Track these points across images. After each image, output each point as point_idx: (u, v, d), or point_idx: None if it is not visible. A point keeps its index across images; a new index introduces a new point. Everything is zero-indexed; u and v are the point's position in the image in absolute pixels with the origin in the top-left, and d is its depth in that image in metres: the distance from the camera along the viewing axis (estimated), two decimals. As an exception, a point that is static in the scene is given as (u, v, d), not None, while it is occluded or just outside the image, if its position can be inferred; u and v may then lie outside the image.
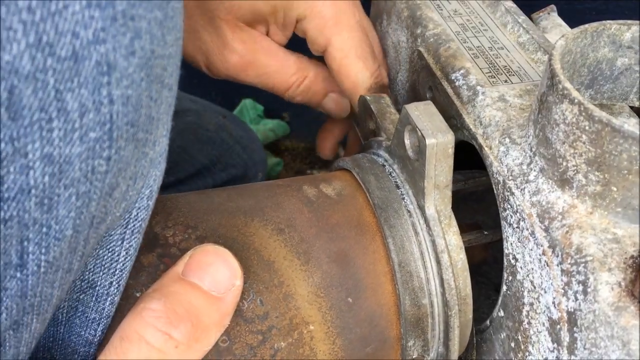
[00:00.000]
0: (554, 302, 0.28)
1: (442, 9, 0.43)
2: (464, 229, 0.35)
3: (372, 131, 0.40)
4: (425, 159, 0.31)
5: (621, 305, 0.25)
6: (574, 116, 0.27)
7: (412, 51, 0.43)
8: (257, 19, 0.46)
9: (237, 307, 0.28)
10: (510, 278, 0.32)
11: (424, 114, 0.31)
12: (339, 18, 0.45)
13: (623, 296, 0.25)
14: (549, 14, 0.47)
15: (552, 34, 0.46)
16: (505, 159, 0.32)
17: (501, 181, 0.32)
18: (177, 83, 0.24)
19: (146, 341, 0.25)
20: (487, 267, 0.45)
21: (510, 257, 0.32)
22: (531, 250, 0.30)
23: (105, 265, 0.26)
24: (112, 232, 0.25)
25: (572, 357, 0.28)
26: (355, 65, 0.45)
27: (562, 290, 0.28)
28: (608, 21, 0.31)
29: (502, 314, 0.33)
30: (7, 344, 0.22)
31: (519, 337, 0.32)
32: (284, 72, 0.47)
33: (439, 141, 0.30)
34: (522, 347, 0.32)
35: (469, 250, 0.34)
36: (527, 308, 0.31)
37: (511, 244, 0.32)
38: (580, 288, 0.27)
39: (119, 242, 0.25)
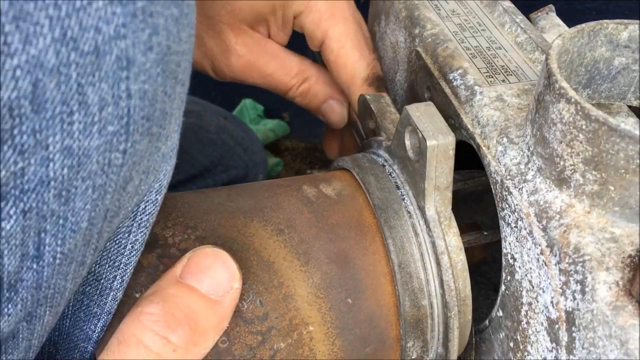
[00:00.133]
0: (552, 302, 0.28)
1: (440, 9, 0.43)
2: (463, 229, 0.35)
3: (372, 130, 0.40)
4: (426, 160, 0.31)
5: (619, 304, 0.25)
6: (570, 115, 0.27)
7: (410, 51, 0.44)
8: (257, 19, 0.47)
9: (236, 307, 0.29)
10: (508, 278, 0.32)
11: (425, 115, 0.31)
12: (334, 11, 0.45)
13: (621, 295, 0.25)
14: (547, 13, 0.47)
15: (550, 33, 0.46)
16: (503, 158, 0.32)
17: (499, 181, 0.32)
18: (189, 79, 0.25)
19: (144, 345, 0.25)
20: (486, 266, 0.45)
21: (509, 256, 0.32)
22: (529, 249, 0.30)
23: (111, 258, 0.26)
24: (120, 225, 0.25)
25: (571, 356, 0.28)
26: (352, 55, 0.46)
27: (560, 290, 0.28)
28: (605, 20, 0.31)
29: (500, 313, 0.33)
30: (21, 336, 0.23)
31: (518, 337, 0.32)
32: (286, 74, 0.48)
33: (440, 143, 0.30)
34: (521, 346, 0.32)
35: (468, 251, 0.34)
36: (525, 308, 0.31)
37: (509, 243, 0.32)
38: (578, 287, 0.27)
39: (126, 235, 0.26)
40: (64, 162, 0.20)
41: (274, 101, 0.57)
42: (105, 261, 0.26)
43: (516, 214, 0.31)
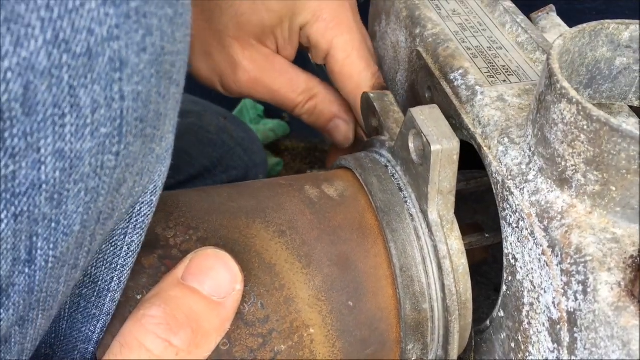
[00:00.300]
0: (553, 302, 0.28)
1: (440, 9, 0.43)
2: (464, 230, 0.34)
3: (375, 129, 0.40)
4: (430, 164, 0.31)
5: (621, 305, 0.25)
6: (572, 116, 0.27)
7: (410, 51, 0.43)
8: (265, 32, 0.47)
9: (238, 310, 0.28)
10: (510, 278, 0.32)
11: (430, 119, 0.31)
12: (340, 21, 0.46)
13: (623, 296, 0.25)
14: (547, 13, 0.47)
15: (551, 33, 0.46)
16: (504, 158, 0.32)
17: (500, 181, 0.32)
18: (184, 80, 0.25)
19: (146, 348, 0.25)
20: (487, 267, 0.45)
21: (510, 257, 0.32)
22: (531, 250, 0.30)
23: (108, 260, 0.26)
24: (116, 227, 0.25)
25: (573, 357, 0.27)
26: (358, 65, 0.46)
27: (562, 290, 0.28)
28: (606, 20, 0.31)
29: (502, 314, 0.33)
30: (13, 340, 0.22)
31: (519, 338, 0.32)
32: (293, 90, 0.49)
33: (444, 147, 0.30)
34: (522, 347, 0.31)
35: (470, 252, 0.34)
36: (527, 308, 0.31)
37: (511, 244, 0.32)
38: (580, 288, 0.27)
39: (122, 237, 0.26)
40: (56, 165, 0.20)
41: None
42: (102, 263, 0.26)
43: (517, 214, 0.31)
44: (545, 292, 0.29)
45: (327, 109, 0.50)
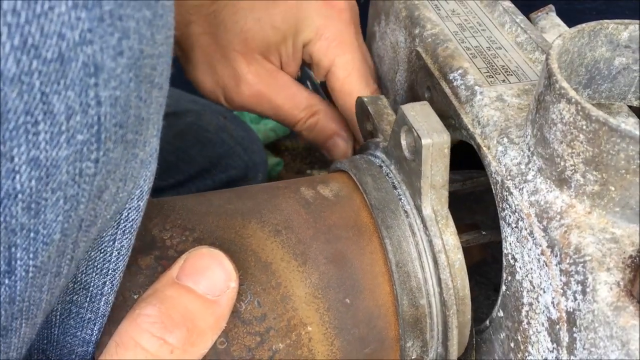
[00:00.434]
0: (553, 302, 0.28)
1: (440, 9, 0.43)
2: (462, 229, 0.34)
3: (370, 132, 0.40)
4: (421, 159, 0.31)
5: (620, 305, 0.25)
6: (571, 115, 0.27)
7: (410, 51, 0.43)
8: (270, 49, 0.48)
9: (235, 308, 0.28)
10: (509, 278, 0.32)
11: (420, 114, 0.32)
12: (342, 39, 0.47)
13: (622, 296, 0.25)
14: (547, 13, 0.47)
15: (550, 33, 0.46)
16: (504, 158, 0.32)
17: (499, 181, 0.32)
18: (168, 82, 0.24)
19: (142, 347, 0.25)
20: (487, 267, 0.45)
21: (509, 257, 0.32)
22: (530, 250, 0.30)
23: (98, 266, 0.26)
24: (104, 234, 0.25)
25: (572, 357, 0.27)
26: (358, 84, 0.47)
27: (561, 290, 0.28)
28: (605, 20, 0.31)
29: (501, 314, 0.33)
30: None
31: (519, 338, 0.32)
32: (295, 106, 0.49)
33: (435, 141, 0.30)
34: (522, 347, 0.31)
35: (468, 251, 0.34)
36: (526, 308, 0.31)
37: (510, 243, 0.32)
38: (579, 288, 0.27)
39: (111, 243, 0.25)
40: (31, 173, 0.19)
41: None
42: (92, 270, 0.26)
43: (517, 214, 0.31)
44: (544, 292, 0.29)
45: (327, 126, 0.50)
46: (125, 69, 0.20)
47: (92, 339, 0.27)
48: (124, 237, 0.26)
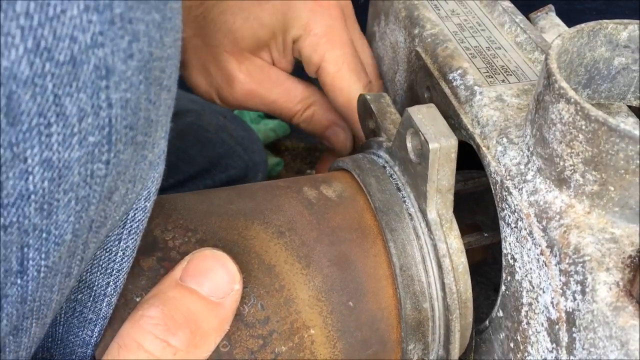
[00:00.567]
0: (552, 302, 0.28)
1: (439, 9, 0.43)
2: (463, 230, 0.34)
3: (372, 130, 0.40)
4: (428, 163, 0.31)
5: (619, 305, 0.25)
6: (570, 116, 0.27)
7: (409, 51, 0.43)
8: (260, 46, 0.48)
9: (238, 311, 0.28)
10: (508, 278, 0.32)
11: (427, 117, 0.31)
12: (332, 35, 0.46)
13: (621, 296, 0.25)
14: (546, 13, 0.47)
15: (549, 33, 0.46)
16: (503, 158, 0.32)
17: (499, 181, 0.32)
18: (176, 84, 0.24)
19: (145, 349, 0.25)
20: (487, 267, 0.45)
21: (509, 257, 0.32)
22: (529, 250, 0.30)
23: (103, 266, 0.26)
24: (110, 233, 0.25)
25: (571, 357, 0.28)
26: (349, 79, 0.47)
27: (561, 290, 0.28)
28: (604, 20, 0.31)
29: (501, 314, 0.33)
30: (7, 349, 0.22)
31: (518, 338, 0.32)
32: (290, 100, 0.50)
33: (442, 145, 0.30)
34: (521, 347, 0.32)
35: (469, 252, 0.34)
36: (525, 308, 0.31)
37: (509, 243, 0.32)
38: (579, 288, 0.27)
39: (116, 243, 0.25)
40: (44, 174, 0.19)
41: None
42: (97, 269, 0.26)
43: (516, 214, 0.31)
44: (543, 292, 0.29)
45: (324, 117, 0.51)
46: (135, 71, 0.20)
47: (92, 340, 0.27)
48: (130, 238, 0.26)
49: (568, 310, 0.27)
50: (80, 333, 0.27)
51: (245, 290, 0.29)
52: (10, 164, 0.18)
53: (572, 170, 0.28)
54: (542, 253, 0.29)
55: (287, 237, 0.32)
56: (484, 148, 0.33)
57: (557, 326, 0.28)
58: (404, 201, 0.33)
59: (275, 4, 0.46)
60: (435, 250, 0.32)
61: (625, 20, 0.31)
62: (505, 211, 0.32)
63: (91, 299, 0.26)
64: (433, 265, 0.32)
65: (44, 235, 0.20)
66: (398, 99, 0.47)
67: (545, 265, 0.29)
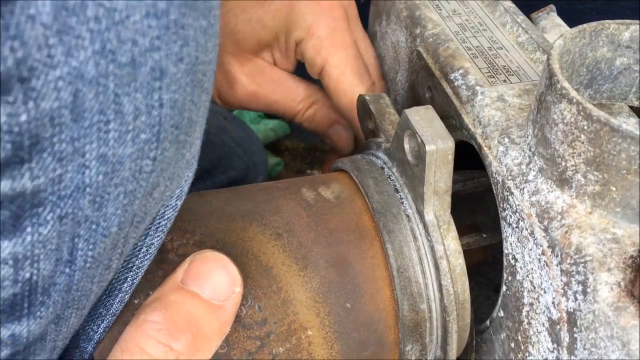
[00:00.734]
0: (553, 302, 0.28)
1: (441, 9, 0.43)
2: (463, 230, 0.34)
3: (371, 131, 0.40)
4: (425, 165, 0.31)
5: (621, 305, 0.25)
6: (572, 116, 0.27)
7: (411, 51, 0.43)
8: (262, 47, 0.48)
9: None
10: (509, 278, 0.32)
11: (424, 119, 0.31)
12: (335, 37, 0.46)
13: (622, 296, 0.25)
14: (548, 13, 0.47)
15: (551, 33, 0.46)
16: (505, 158, 0.32)
17: (500, 181, 0.32)
18: (212, 88, 0.25)
19: (147, 354, 0.25)
20: (487, 267, 0.45)
21: (510, 257, 0.32)
22: (530, 250, 0.30)
23: (125, 259, 0.26)
24: None
25: (572, 357, 0.27)
26: (352, 82, 0.47)
27: (562, 291, 0.28)
28: (606, 21, 0.31)
29: (501, 314, 0.33)
30: (48, 337, 0.23)
31: (519, 338, 0.32)
32: (292, 99, 0.50)
33: (439, 147, 0.30)
34: (522, 347, 0.31)
35: (468, 252, 0.34)
36: (526, 308, 0.31)
37: (511, 244, 0.32)
38: (580, 288, 0.27)
39: (143, 238, 0.26)
40: (99, 169, 0.20)
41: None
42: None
43: (517, 214, 0.31)
44: (545, 292, 0.29)
45: (327, 115, 0.51)
46: (184, 74, 0.22)
47: (96, 337, 0.27)
48: (156, 235, 0.26)
49: (569, 310, 0.27)
50: (88, 327, 0.27)
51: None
52: (70, 158, 0.19)
53: (574, 171, 0.28)
54: (543, 253, 0.29)
55: (285, 238, 0.32)
56: (485, 148, 0.33)
57: (558, 326, 0.28)
58: (402, 202, 0.33)
59: (277, 6, 0.46)
60: (433, 252, 0.32)
61: (628, 21, 0.31)
62: (507, 211, 0.32)
63: (107, 292, 0.27)
64: (430, 267, 0.32)
65: (93, 226, 0.21)
66: (399, 99, 0.47)
67: (547, 266, 0.29)
